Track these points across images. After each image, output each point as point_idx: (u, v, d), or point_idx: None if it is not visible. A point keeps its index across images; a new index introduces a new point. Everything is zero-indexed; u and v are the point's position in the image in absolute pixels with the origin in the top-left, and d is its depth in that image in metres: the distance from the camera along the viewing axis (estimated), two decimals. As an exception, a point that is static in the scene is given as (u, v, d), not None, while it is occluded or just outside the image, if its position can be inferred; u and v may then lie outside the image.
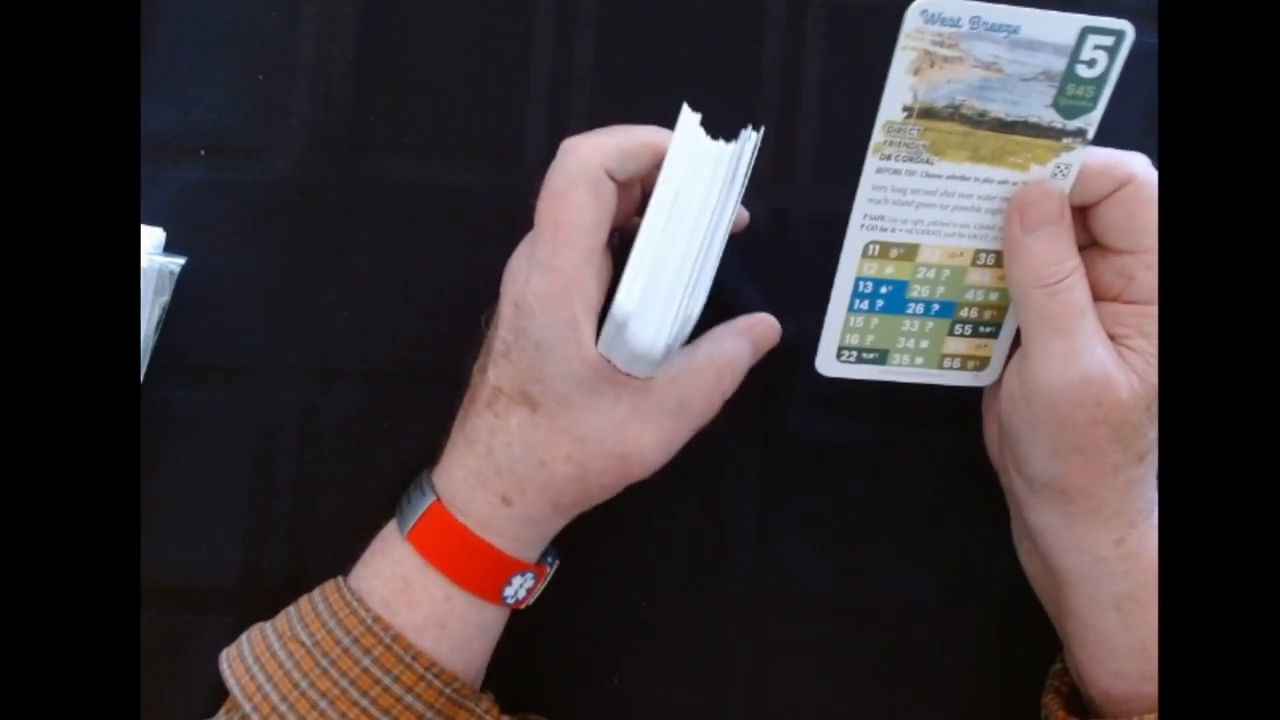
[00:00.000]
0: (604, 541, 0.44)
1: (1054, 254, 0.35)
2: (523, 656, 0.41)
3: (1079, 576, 0.37)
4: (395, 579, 0.37)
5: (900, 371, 0.40)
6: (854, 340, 0.39)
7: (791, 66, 0.45)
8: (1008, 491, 0.41)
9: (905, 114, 0.35)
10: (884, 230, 0.37)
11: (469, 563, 0.37)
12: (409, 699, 0.36)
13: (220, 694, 0.38)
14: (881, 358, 0.40)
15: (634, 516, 0.42)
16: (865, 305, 0.39)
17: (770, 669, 0.45)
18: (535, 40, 0.45)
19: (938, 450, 0.44)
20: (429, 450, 0.40)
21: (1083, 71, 0.34)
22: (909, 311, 0.39)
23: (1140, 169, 0.36)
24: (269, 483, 0.44)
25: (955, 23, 0.33)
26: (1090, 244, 0.37)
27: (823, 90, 0.46)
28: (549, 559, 0.40)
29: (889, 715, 0.45)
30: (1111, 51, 0.34)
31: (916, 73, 0.34)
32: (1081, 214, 0.37)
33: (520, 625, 0.41)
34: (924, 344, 0.40)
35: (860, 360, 0.40)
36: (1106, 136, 0.46)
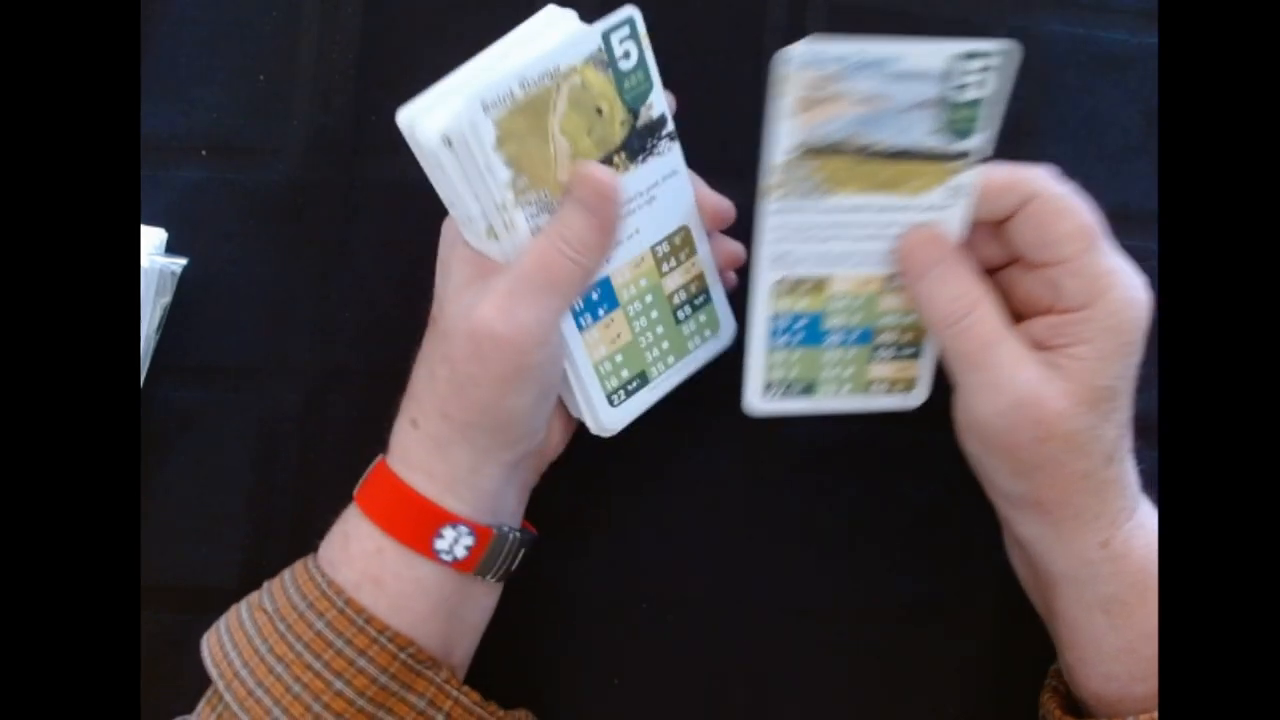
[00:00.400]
0: (604, 542, 0.44)
1: (949, 293, 0.36)
2: (523, 656, 0.41)
3: (1067, 580, 0.37)
4: (338, 535, 0.38)
5: (830, 401, 0.40)
6: (778, 375, 0.39)
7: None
8: (994, 504, 0.41)
9: (794, 154, 0.35)
10: (790, 266, 0.38)
11: (393, 505, 0.37)
12: (361, 662, 0.36)
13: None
14: (809, 390, 0.40)
15: (634, 517, 0.42)
16: (783, 340, 0.39)
17: (770, 669, 0.45)
18: (535, 40, 0.45)
19: (937, 450, 0.44)
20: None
21: (961, 95, 0.35)
22: (828, 342, 0.39)
23: (1042, 184, 0.36)
24: (269, 483, 0.44)
25: (828, 66, 0.34)
26: (1013, 260, 0.38)
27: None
28: (504, 527, 0.38)
29: (889, 715, 0.45)
30: (992, 73, 0.34)
31: (799, 114, 0.34)
32: (997, 230, 0.37)
33: (521, 625, 0.41)
34: (848, 371, 0.40)
35: (788, 394, 0.40)
36: (1106, 136, 0.46)
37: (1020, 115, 0.46)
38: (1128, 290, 0.35)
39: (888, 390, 0.40)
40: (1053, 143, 0.46)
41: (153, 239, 0.43)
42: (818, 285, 0.38)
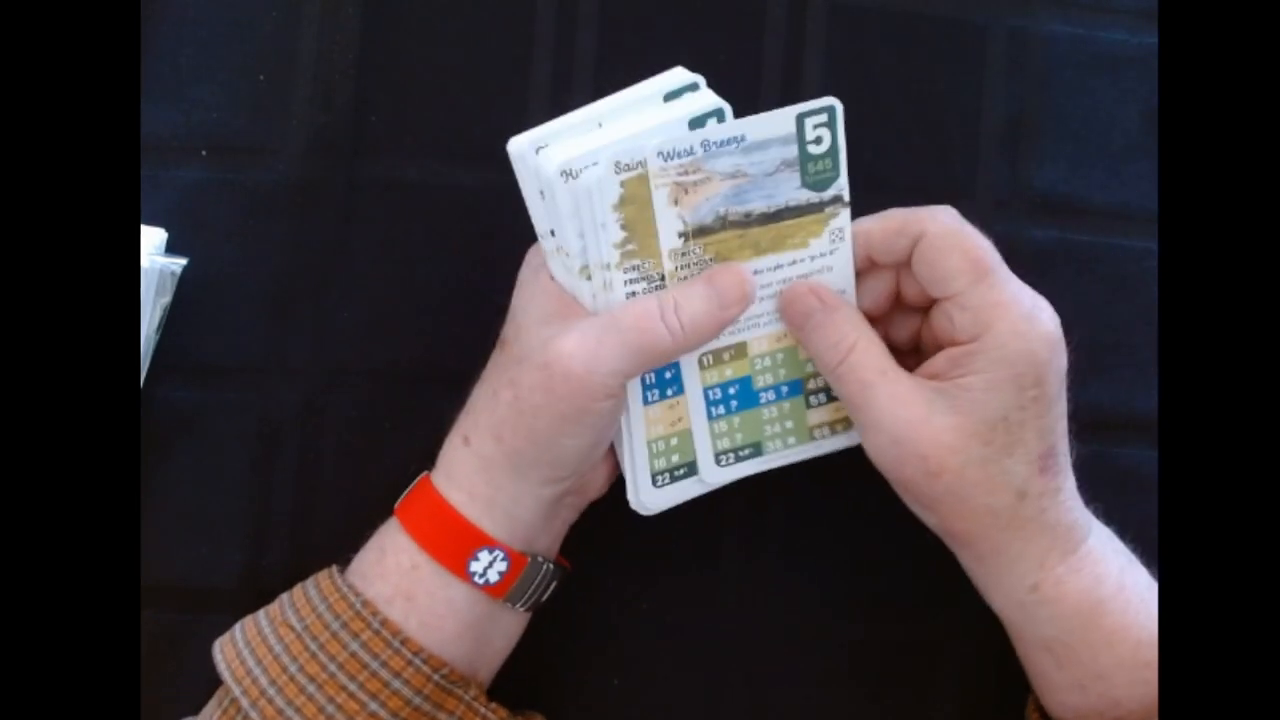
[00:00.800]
0: (604, 543, 0.44)
1: (826, 341, 0.38)
2: (523, 656, 0.41)
3: (1006, 620, 0.39)
4: (374, 549, 0.39)
5: (780, 456, 0.41)
6: (725, 444, 0.40)
7: (791, 66, 0.46)
8: None
9: (682, 239, 0.37)
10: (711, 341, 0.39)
11: (432, 523, 0.37)
12: (396, 684, 0.36)
13: (220, 694, 0.38)
14: (757, 450, 0.41)
15: (633, 517, 0.42)
16: (722, 410, 0.40)
17: (770, 669, 0.45)
18: (535, 40, 0.45)
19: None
20: (429, 450, 0.40)
21: (814, 149, 0.37)
22: (762, 401, 0.40)
23: (930, 222, 0.37)
24: (269, 483, 0.44)
25: (689, 152, 0.36)
26: (924, 300, 0.39)
27: (823, 90, 0.46)
28: (539, 558, 0.39)
29: (889, 715, 0.45)
30: (830, 126, 0.37)
31: (676, 203, 0.36)
32: (899, 273, 0.39)
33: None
34: (789, 424, 0.41)
35: (739, 459, 0.41)
36: (1106, 138, 0.47)
37: (1020, 115, 0.46)
38: (1018, 322, 0.35)
39: (830, 433, 0.41)
40: (1053, 143, 0.46)
41: (153, 239, 0.43)
42: (738, 350, 0.40)
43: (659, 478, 0.40)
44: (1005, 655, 0.42)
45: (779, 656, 0.45)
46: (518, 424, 0.36)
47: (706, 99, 0.38)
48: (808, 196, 0.38)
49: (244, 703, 0.36)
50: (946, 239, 0.36)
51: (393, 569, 0.37)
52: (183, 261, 0.43)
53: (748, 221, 0.38)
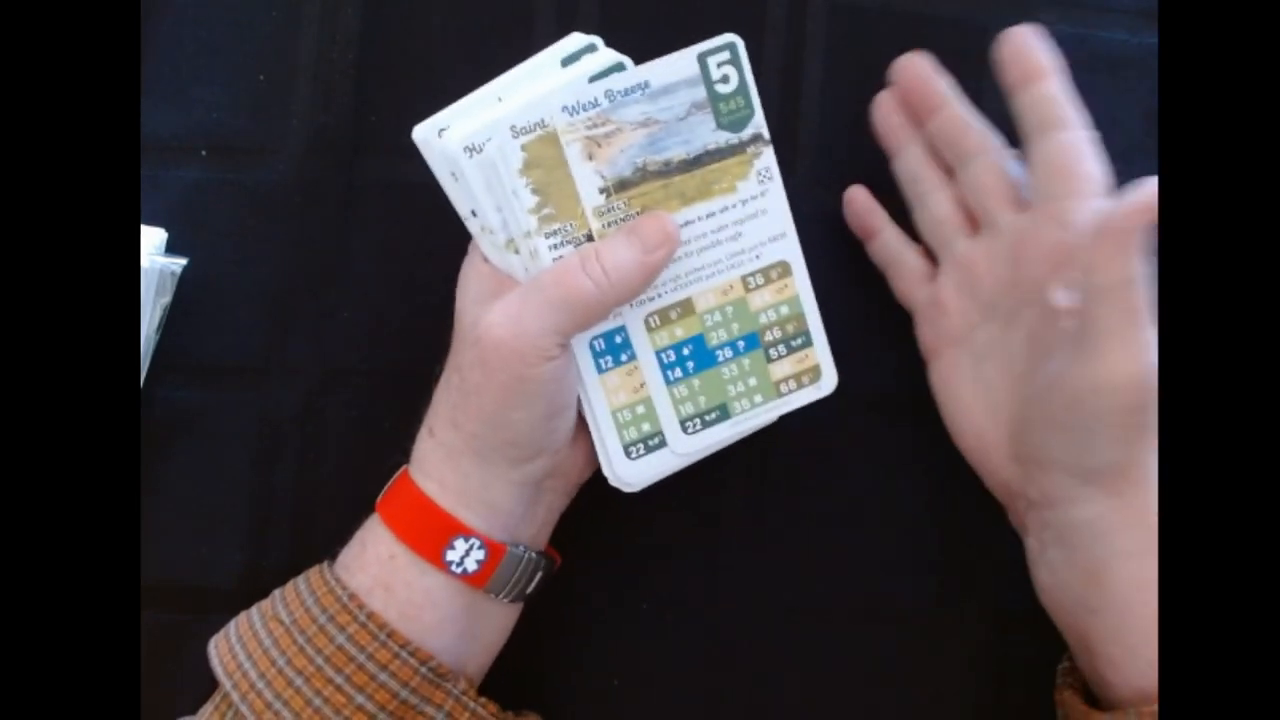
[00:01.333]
0: (604, 543, 0.44)
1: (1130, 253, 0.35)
2: (523, 657, 0.41)
3: (1128, 554, 0.37)
4: (356, 543, 0.39)
5: (749, 417, 0.40)
6: (689, 409, 0.39)
7: (791, 66, 0.46)
8: (1031, 507, 0.40)
9: (604, 195, 0.37)
10: (653, 299, 0.38)
11: (407, 512, 0.37)
12: (383, 677, 0.36)
13: (220, 694, 0.38)
14: (724, 413, 0.40)
15: (633, 518, 0.42)
16: (679, 373, 0.39)
17: (770, 669, 0.45)
18: (535, 40, 0.45)
19: (937, 450, 0.44)
20: (429, 450, 0.40)
21: (723, 89, 0.37)
22: (720, 360, 0.39)
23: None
24: (269, 483, 0.44)
25: (594, 103, 0.36)
26: None
27: (823, 90, 0.46)
28: (520, 547, 0.38)
29: (889, 715, 0.45)
30: (735, 63, 0.37)
31: (591, 157, 0.36)
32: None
33: (520, 625, 0.41)
34: (753, 381, 0.40)
35: (705, 424, 0.39)
36: (1106, 138, 0.46)
37: (1020, 115, 0.46)
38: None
39: (798, 386, 0.40)
40: (1053, 143, 0.46)
41: (153, 239, 0.43)
42: (685, 307, 0.39)
43: (631, 449, 0.39)
44: (1005, 655, 0.42)
45: (779, 656, 0.45)
46: (467, 407, 0.36)
47: (605, 56, 0.37)
48: (726, 138, 0.37)
49: (234, 696, 0.36)
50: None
51: (372, 560, 0.37)
52: (183, 261, 0.43)
53: (669, 170, 0.37)
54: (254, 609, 0.38)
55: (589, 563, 0.44)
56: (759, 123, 0.37)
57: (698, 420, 0.39)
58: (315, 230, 0.45)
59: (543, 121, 0.35)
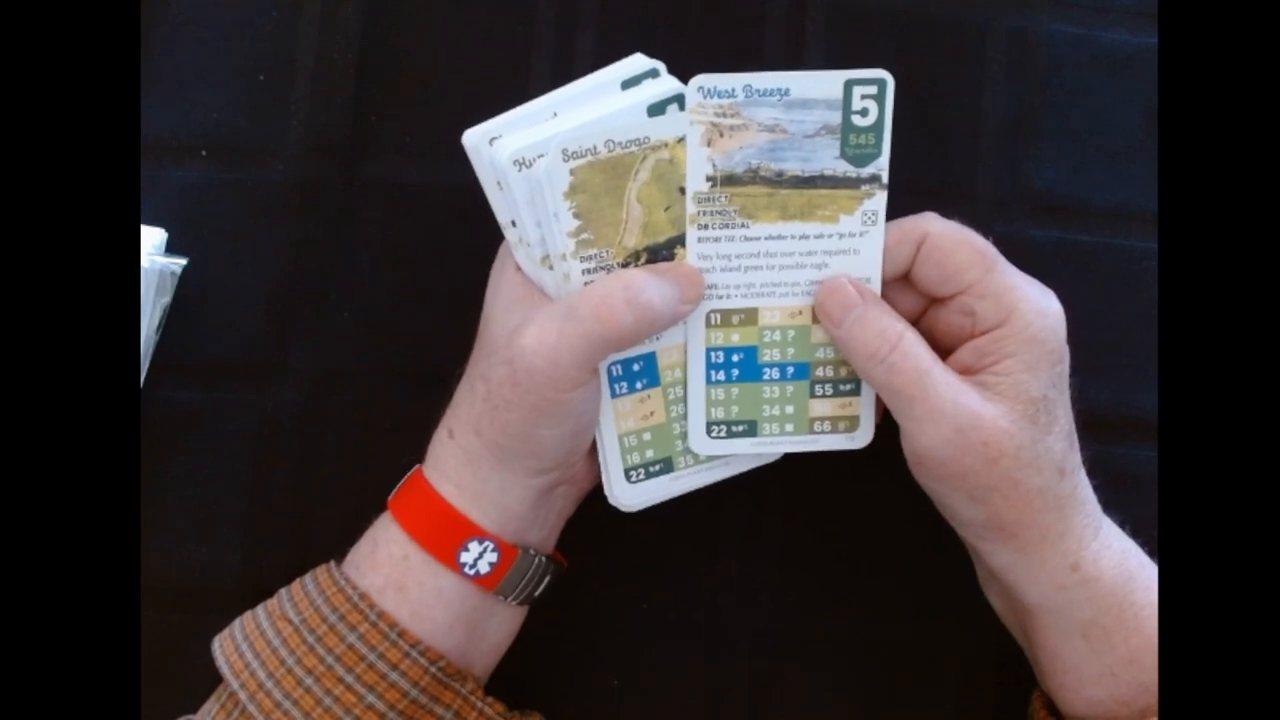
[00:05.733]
0: (604, 543, 0.44)
1: (871, 331, 0.36)
2: (523, 657, 0.41)
3: (1043, 609, 0.37)
4: (368, 541, 0.39)
5: (772, 442, 0.40)
6: (720, 414, 0.39)
7: (791, 66, 0.45)
8: (963, 539, 0.41)
9: (710, 184, 0.36)
10: (721, 298, 0.38)
11: (422, 513, 0.37)
12: (394, 676, 0.36)
13: (220, 694, 0.38)
14: (751, 429, 0.39)
15: (634, 519, 0.42)
16: (722, 376, 0.39)
17: (770, 669, 0.45)
18: (535, 40, 0.45)
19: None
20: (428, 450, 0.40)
21: (859, 121, 0.36)
22: (765, 378, 0.39)
23: (930, 224, 0.37)
24: (269, 483, 0.44)
25: (731, 94, 0.35)
26: (930, 302, 0.39)
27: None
28: (531, 550, 0.38)
29: (889, 715, 0.45)
30: (879, 100, 0.36)
31: (710, 144, 0.36)
32: (907, 283, 0.38)
33: (521, 625, 0.41)
34: (789, 409, 0.39)
35: (731, 435, 0.39)
36: (1106, 138, 0.46)
37: (1020, 115, 0.46)
38: (1038, 301, 0.36)
39: (831, 430, 0.40)
40: (1053, 143, 0.46)
41: (153, 239, 0.43)
42: (748, 317, 0.38)
43: (632, 473, 0.39)
44: (1005, 655, 0.42)
45: (778, 657, 0.45)
46: (494, 419, 0.36)
47: (666, 84, 0.37)
48: (845, 169, 0.37)
49: (242, 696, 0.36)
50: (950, 235, 0.37)
51: (384, 560, 0.37)
52: (183, 261, 0.43)
53: (779, 181, 0.37)
54: (260, 608, 0.38)
55: (589, 563, 0.44)
56: (882, 165, 0.37)
57: (724, 427, 0.39)
58: (315, 230, 0.45)
59: (594, 148, 0.35)
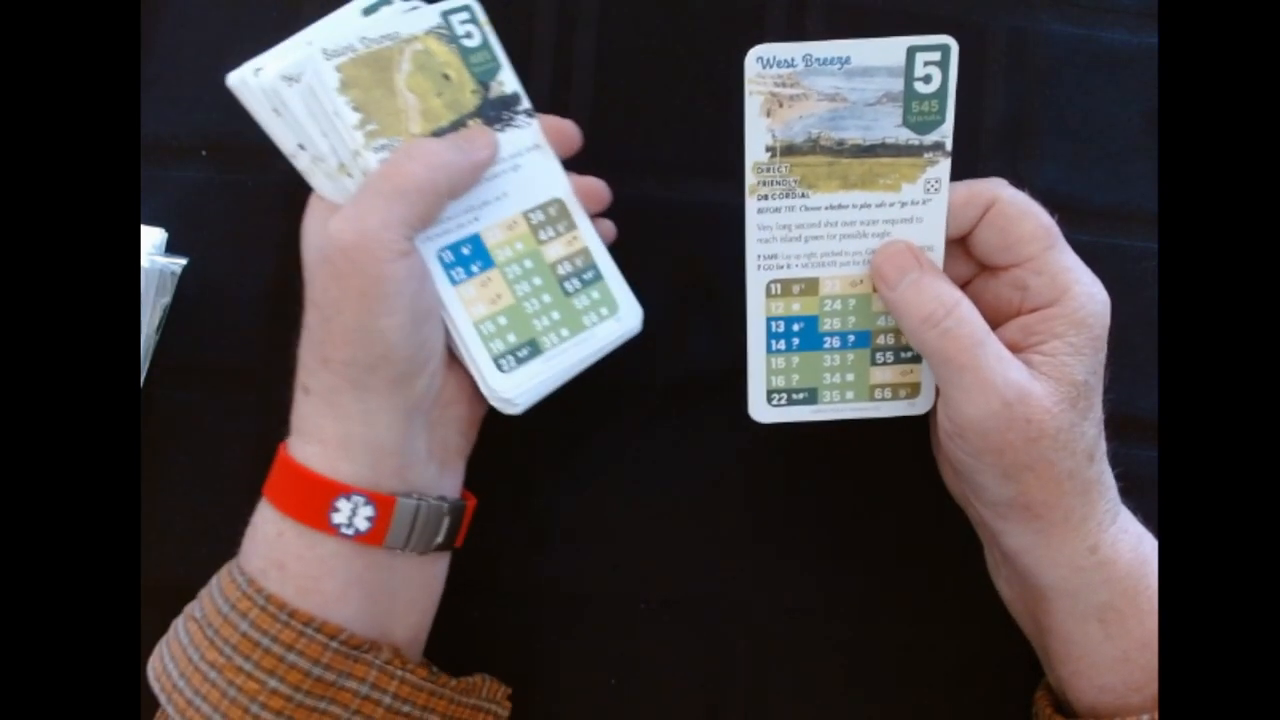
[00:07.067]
0: (603, 543, 0.44)
1: (927, 296, 0.36)
2: (522, 656, 0.41)
3: (1059, 591, 0.37)
4: (249, 528, 0.38)
5: (834, 409, 0.40)
6: (780, 382, 0.39)
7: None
8: (977, 524, 0.41)
9: (769, 154, 0.36)
10: (781, 268, 0.38)
11: (285, 484, 0.36)
12: (291, 657, 0.35)
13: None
14: (811, 397, 0.40)
15: (633, 517, 0.42)
16: (782, 345, 0.39)
17: (770, 669, 0.45)
18: (535, 40, 0.45)
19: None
20: (429, 450, 0.40)
21: (922, 88, 0.36)
22: (826, 346, 0.39)
23: (999, 190, 0.37)
24: (269, 483, 0.44)
25: (790, 63, 0.36)
26: (980, 271, 0.39)
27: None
28: (413, 495, 0.37)
29: (888, 715, 0.45)
30: (942, 66, 0.36)
31: (769, 114, 0.36)
32: (962, 245, 0.38)
33: (519, 625, 0.41)
34: (850, 377, 0.40)
35: (791, 402, 0.40)
36: (1106, 138, 0.46)
37: (1020, 115, 0.46)
38: (1090, 286, 0.36)
39: (892, 396, 0.40)
40: (1053, 143, 0.46)
41: (153, 239, 0.43)
42: (809, 287, 0.38)
43: (501, 362, 0.39)
44: (1005, 655, 0.42)
45: (778, 656, 0.45)
46: (332, 332, 0.35)
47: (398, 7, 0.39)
48: (907, 137, 0.37)
49: (161, 699, 0.36)
50: (1018, 205, 0.37)
51: (261, 541, 0.37)
52: (183, 261, 0.43)
53: (840, 150, 0.37)
54: (181, 613, 0.38)
55: (588, 562, 0.44)
56: (946, 132, 0.37)
57: (784, 395, 0.39)
58: (315, 230, 0.45)
59: (352, 45, 0.36)
